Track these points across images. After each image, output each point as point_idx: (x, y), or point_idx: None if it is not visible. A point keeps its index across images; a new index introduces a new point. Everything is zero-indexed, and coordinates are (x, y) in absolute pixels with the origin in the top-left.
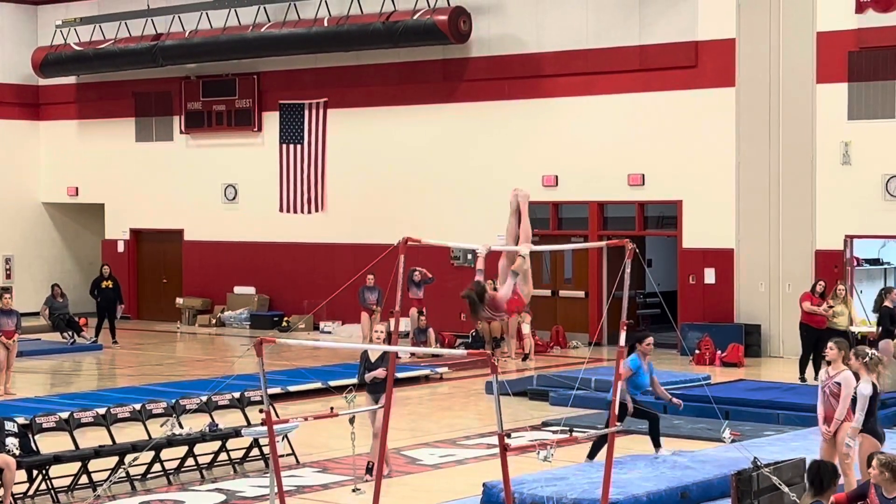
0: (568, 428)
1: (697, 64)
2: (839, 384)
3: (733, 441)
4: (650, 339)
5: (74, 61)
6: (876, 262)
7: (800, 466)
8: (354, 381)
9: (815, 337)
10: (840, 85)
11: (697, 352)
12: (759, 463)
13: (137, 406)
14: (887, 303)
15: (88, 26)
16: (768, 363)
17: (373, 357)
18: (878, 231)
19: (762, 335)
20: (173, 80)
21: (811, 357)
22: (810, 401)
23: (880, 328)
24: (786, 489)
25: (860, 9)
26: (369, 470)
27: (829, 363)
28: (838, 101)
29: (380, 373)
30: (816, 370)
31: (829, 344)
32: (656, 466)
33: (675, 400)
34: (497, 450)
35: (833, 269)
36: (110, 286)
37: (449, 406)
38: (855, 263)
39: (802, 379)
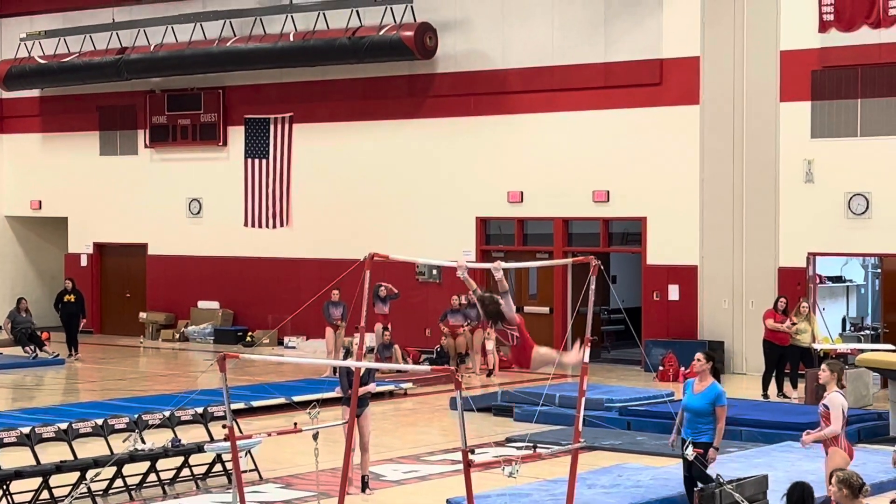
0: (532, 444)
1: (662, 81)
2: (826, 406)
3: (696, 458)
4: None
5: (38, 74)
6: (838, 279)
7: (762, 483)
8: (319, 396)
9: (778, 354)
10: (803, 103)
11: (661, 368)
12: (721, 479)
13: (99, 421)
14: None
15: (53, 39)
16: (731, 380)
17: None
18: (840, 249)
19: (725, 352)
20: (138, 93)
21: (774, 374)
22: (773, 417)
23: None
24: None
25: (823, 28)
26: (366, 484)
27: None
28: (801, 120)
29: (371, 387)
30: (780, 387)
31: (822, 366)
32: (619, 482)
33: None
34: (461, 466)
35: (796, 286)
36: (73, 300)
37: (413, 422)
38: (818, 281)
39: (765, 396)
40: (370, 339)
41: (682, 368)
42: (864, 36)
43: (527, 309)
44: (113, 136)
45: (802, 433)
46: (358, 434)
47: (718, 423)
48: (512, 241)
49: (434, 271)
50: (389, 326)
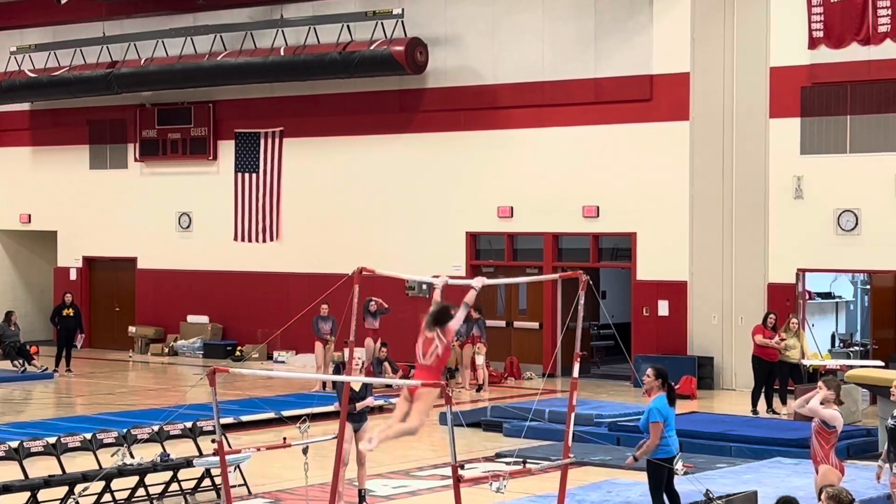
0: (521, 459)
1: (652, 97)
2: (824, 423)
3: (686, 473)
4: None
5: (28, 88)
6: (828, 295)
7: (752, 499)
8: (308, 410)
9: (767, 370)
10: (793, 120)
11: (650, 367)
12: (711, 495)
13: (88, 435)
14: None
15: (43, 53)
16: (721, 395)
17: (356, 386)
18: (829, 265)
19: (715, 367)
20: (128, 107)
21: (763, 390)
22: (762, 433)
23: None
24: None
25: (813, 45)
26: (363, 498)
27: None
28: (791, 136)
29: (370, 401)
30: (769, 403)
31: (819, 383)
32: (609, 498)
33: None
34: (451, 481)
35: (785, 302)
36: (71, 314)
37: (403, 437)
38: (807, 297)
39: (755, 411)
40: (361, 354)
41: (672, 384)
42: (854, 53)
43: (516, 324)
44: (103, 149)
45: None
46: (355, 449)
47: (649, 440)
48: (502, 255)
49: (424, 286)
50: (383, 342)
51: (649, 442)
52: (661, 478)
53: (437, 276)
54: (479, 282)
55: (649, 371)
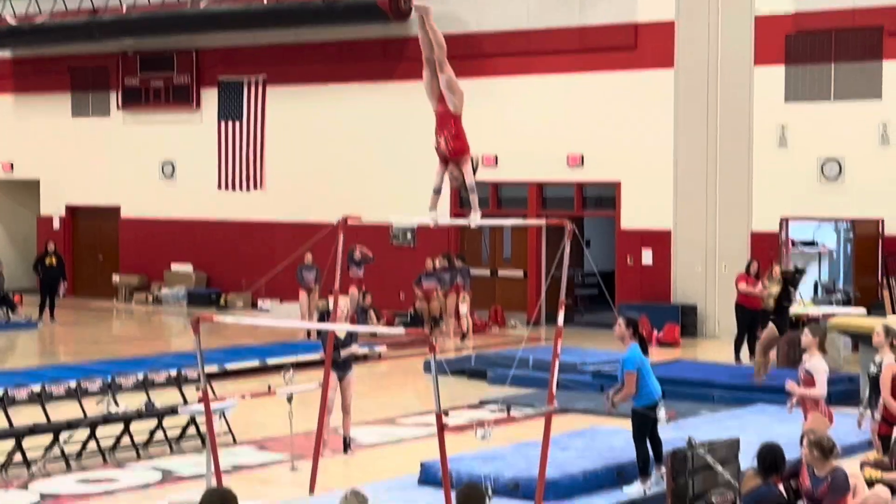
0: (506, 407)
1: (637, 46)
2: (810, 373)
3: (669, 420)
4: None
5: (9, 35)
6: (811, 243)
7: (734, 446)
8: (293, 359)
9: (750, 318)
10: (777, 67)
11: (621, 316)
12: (693, 442)
13: (73, 384)
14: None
15: (24, 0)
16: (704, 343)
17: (341, 335)
18: (813, 213)
19: (698, 315)
20: (110, 55)
21: (746, 337)
22: (745, 381)
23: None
24: (720, 468)
25: None
26: (347, 445)
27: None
28: (775, 84)
29: (355, 349)
30: (751, 351)
31: (805, 330)
32: (593, 445)
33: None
34: (435, 429)
35: (769, 250)
36: (54, 263)
37: (387, 385)
38: (790, 245)
39: (737, 359)
40: (345, 303)
41: (656, 332)
42: (838, 0)
43: (501, 273)
44: (85, 97)
45: (786, 381)
46: (340, 396)
47: (624, 388)
48: (486, 204)
49: (408, 235)
50: (368, 291)
51: (625, 391)
52: (645, 425)
53: (430, 219)
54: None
55: (620, 320)
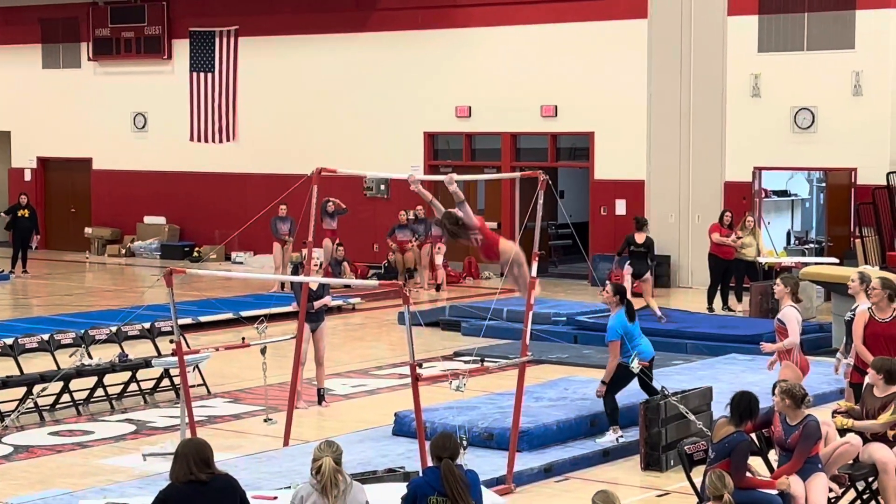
0: (479, 358)
1: None
2: (782, 321)
3: (641, 370)
4: None
5: None
6: (783, 193)
7: (707, 395)
8: (267, 311)
9: (724, 268)
10: (750, 17)
11: (608, 282)
12: (666, 392)
13: (46, 336)
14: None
15: None
16: (677, 293)
17: (313, 286)
18: (786, 163)
19: (672, 266)
20: (80, 5)
21: (719, 287)
22: (717, 330)
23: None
24: (692, 417)
25: None
26: (322, 397)
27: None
28: (749, 34)
29: (327, 300)
30: (724, 300)
31: (777, 281)
32: (566, 395)
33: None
34: (409, 380)
35: (742, 200)
36: (27, 215)
37: (361, 336)
38: (763, 195)
39: (710, 309)
40: (319, 255)
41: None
42: None
43: None
44: (55, 49)
45: (761, 343)
46: (313, 348)
47: (610, 358)
48: (460, 156)
49: (382, 186)
50: (341, 243)
51: (610, 362)
52: (621, 384)
53: (406, 175)
54: (451, 181)
55: (608, 287)
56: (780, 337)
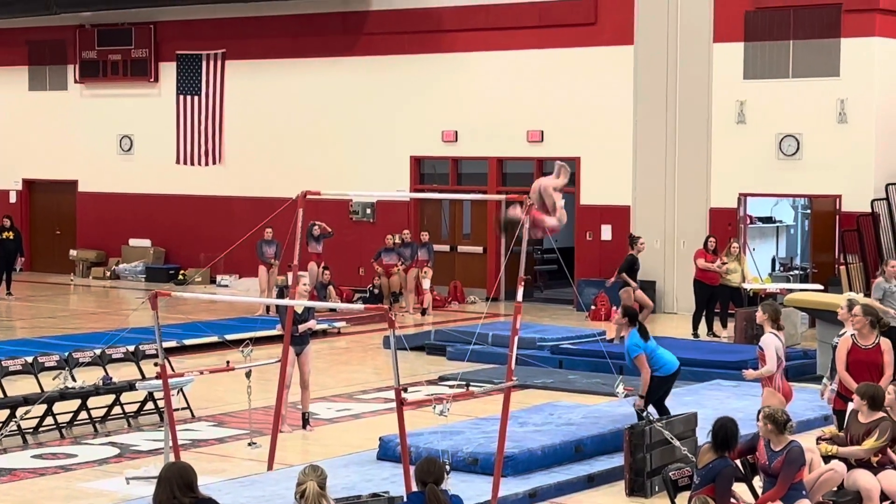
0: (464, 382)
1: (596, 21)
2: (762, 348)
3: (627, 396)
4: None
5: None
6: (768, 220)
7: (691, 420)
8: (251, 334)
9: (709, 293)
10: (736, 44)
11: (593, 307)
12: (651, 417)
13: (29, 359)
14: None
15: None
16: (662, 319)
17: (298, 309)
18: (771, 189)
19: (657, 291)
20: (68, 28)
21: (704, 313)
22: (702, 356)
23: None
24: (677, 443)
25: None
26: (306, 421)
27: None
28: (734, 61)
29: (312, 324)
30: (709, 326)
31: (758, 308)
32: (551, 420)
33: None
34: (394, 404)
35: (727, 226)
36: (11, 237)
37: (346, 360)
38: (748, 221)
39: (695, 335)
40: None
41: (614, 308)
42: None
43: (460, 248)
44: (42, 71)
45: (742, 370)
46: (298, 372)
47: (641, 373)
48: (446, 180)
49: (368, 210)
50: (326, 266)
51: (643, 375)
52: (655, 392)
53: (398, 193)
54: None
55: (619, 310)
56: (761, 363)
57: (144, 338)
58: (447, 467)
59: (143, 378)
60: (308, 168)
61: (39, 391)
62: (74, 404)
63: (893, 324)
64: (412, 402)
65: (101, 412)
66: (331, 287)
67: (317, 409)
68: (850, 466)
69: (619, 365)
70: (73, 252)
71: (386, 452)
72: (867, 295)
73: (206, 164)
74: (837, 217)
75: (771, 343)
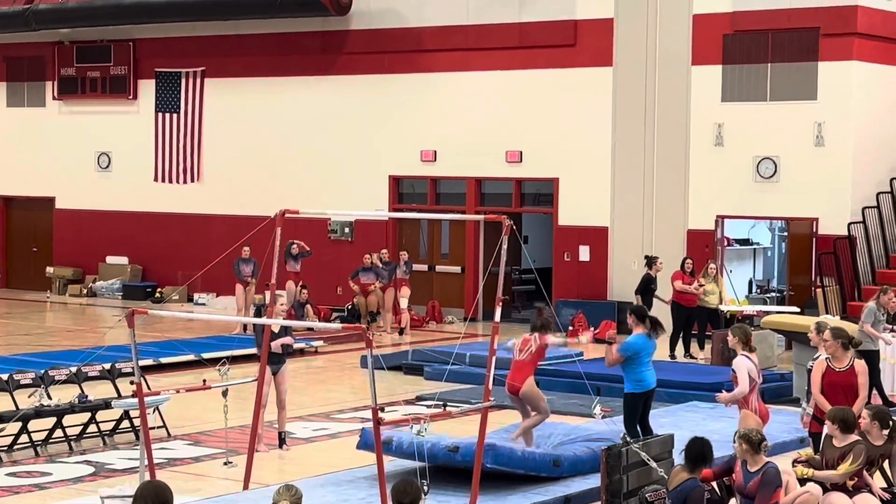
0: (442, 402)
1: (576, 42)
2: (734, 371)
3: (604, 417)
4: None
5: None
6: (746, 242)
7: (668, 442)
8: (228, 353)
9: (686, 315)
10: (714, 67)
11: (571, 328)
12: (627, 439)
13: (4, 376)
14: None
15: None
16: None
17: (276, 328)
18: (748, 212)
19: None
20: (46, 44)
21: (681, 335)
22: (679, 378)
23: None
24: (654, 464)
25: None
26: (283, 440)
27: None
28: (712, 83)
29: (289, 340)
30: (686, 348)
31: (728, 331)
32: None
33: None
34: (371, 424)
35: (704, 248)
36: None
37: (323, 380)
38: (725, 243)
39: (672, 356)
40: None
41: (592, 329)
42: (775, 1)
43: (438, 268)
44: (20, 87)
45: (716, 394)
46: (275, 391)
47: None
48: (424, 199)
49: (346, 229)
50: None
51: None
52: (635, 410)
53: (377, 212)
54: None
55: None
56: (735, 385)
57: (121, 356)
58: (424, 489)
59: (119, 396)
60: (286, 186)
61: (14, 409)
62: (50, 422)
63: (871, 347)
64: (389, 422)
65: (77, 430)
66: (308, 306)
67: (293, 429)
68: (825, 489)
69: (597, 386)
70: (49, 269)
71: (366, 442)
72: (844, 318)
73: (185, 181)
74: (814, 240)
75: (743, 365)
